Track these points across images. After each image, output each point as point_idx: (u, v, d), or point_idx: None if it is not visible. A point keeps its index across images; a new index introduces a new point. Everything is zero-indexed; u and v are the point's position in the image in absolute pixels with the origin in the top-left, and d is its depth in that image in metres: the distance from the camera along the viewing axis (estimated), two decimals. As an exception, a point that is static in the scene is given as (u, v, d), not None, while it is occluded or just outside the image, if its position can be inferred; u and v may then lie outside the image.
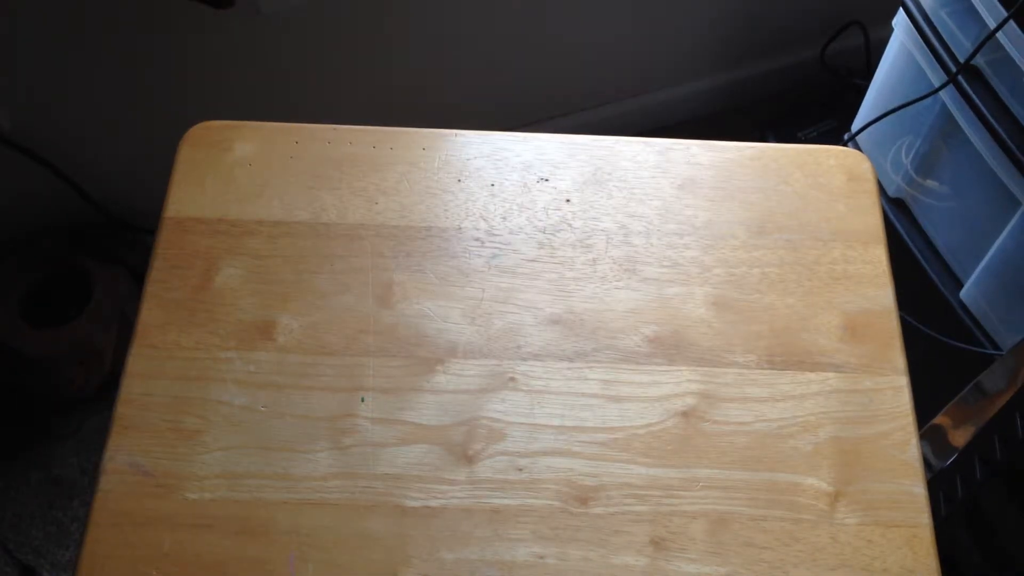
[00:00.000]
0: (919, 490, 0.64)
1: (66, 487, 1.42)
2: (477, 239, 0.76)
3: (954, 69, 1.12)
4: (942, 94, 1.16)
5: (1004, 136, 1.07)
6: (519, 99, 1.60)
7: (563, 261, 0.75)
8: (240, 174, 0.78)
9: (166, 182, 0.78)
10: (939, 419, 1.04)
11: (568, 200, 0.78)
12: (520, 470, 0.67)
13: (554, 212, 0.77)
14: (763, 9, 1.62)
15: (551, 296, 0.74)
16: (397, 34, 1.39)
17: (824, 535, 0.65)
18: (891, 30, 1.27)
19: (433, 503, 0.66)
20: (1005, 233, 1.13)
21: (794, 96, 1.70)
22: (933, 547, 0.63)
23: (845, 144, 1.38)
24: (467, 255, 0.75)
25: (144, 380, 0.69)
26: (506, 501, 0.66)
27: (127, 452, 0.66)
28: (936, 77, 1.16)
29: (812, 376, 0.71)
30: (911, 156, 1.28)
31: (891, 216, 1.31)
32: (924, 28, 1.17)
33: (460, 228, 0.76)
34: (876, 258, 0.75)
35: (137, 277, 1.43)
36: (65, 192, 1.38)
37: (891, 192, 1.33)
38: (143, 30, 1.25)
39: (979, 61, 1.11)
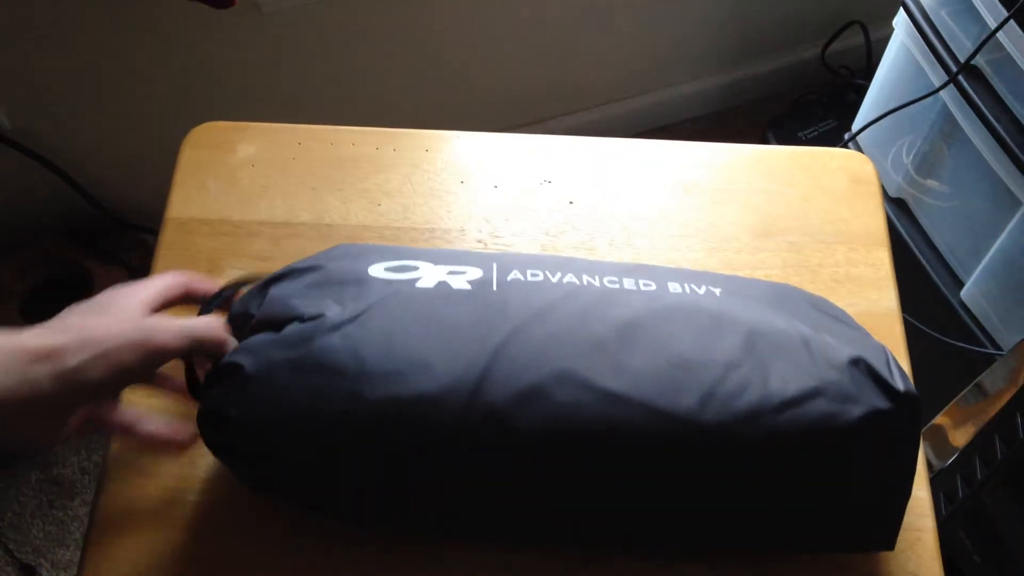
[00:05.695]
0: (923, 493, 0.64)
1: (66, 487, 1.42)
2: (480, 240, 0.75)
3: (955, 69, 1.12)
4: (943, 94, 1.16)
5: (1005, 136, 1.07)
6: (521, 100, 1.59)
7: (566, 263, 0.75)
8: (243, 175, 0.78)
9: (166, 182, 0.78)
10: (940, 419, 1.04)
11: (571, 202, 0.78)
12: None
13: (557, 214, 0.77)
14: (763, 9, 1.62)
15: (554, 298, 0.73)
16: (398, 34, 1.38)
17: (827, 537, 0.65)
18: (891, 30, 1.27)
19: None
20: (1006, 233, 1.13)
21: (795, 96, 1.70)
22: (937, 551, 0.62)
23: (846, 144, 1.38)
24: (470, 257, 0.75)
25: (147, 382, 0.69)
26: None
27: (128, 452, 0.66)
28: (937, 77, 1.16)
29: (815, 378, 0.70)
30: (912, 156, 1.28)
31: (892, 216, 1.31)
32: (924, 28, 1.17)
33: (463, 230, 0.76)
34: (879, 261, 0.75)
35: (138, 277, 1.43)
36: (65, 192, 1.38)
37: (892, 192, 1.33)
38: (143, 30, 1.25)
39: (979, 61, 1.11)
